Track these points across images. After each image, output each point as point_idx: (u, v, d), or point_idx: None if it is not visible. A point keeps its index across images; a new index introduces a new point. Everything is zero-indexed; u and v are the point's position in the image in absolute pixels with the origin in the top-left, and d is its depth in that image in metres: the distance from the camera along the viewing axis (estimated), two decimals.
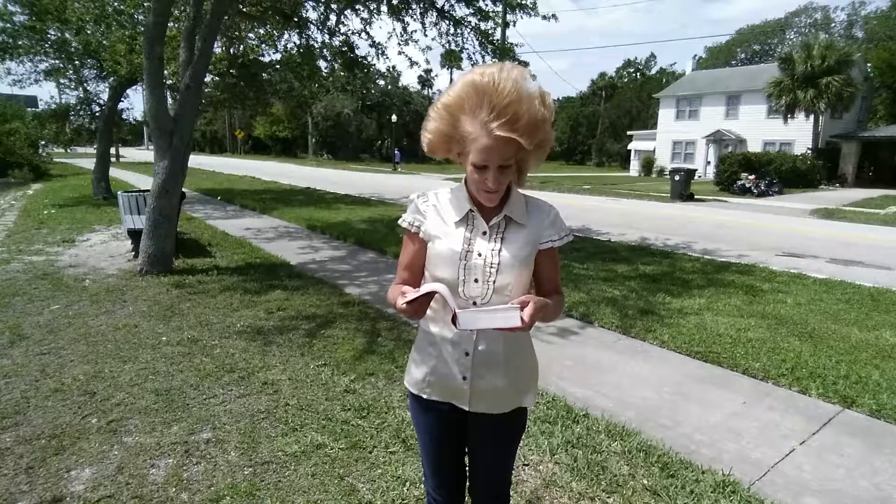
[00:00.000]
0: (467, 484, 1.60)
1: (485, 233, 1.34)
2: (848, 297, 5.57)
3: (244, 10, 8.09)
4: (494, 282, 1.31)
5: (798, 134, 26.96)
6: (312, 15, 8.73)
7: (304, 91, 13.11)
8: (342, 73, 10.37)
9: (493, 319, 1.20)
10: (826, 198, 18.87)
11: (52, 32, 10.35)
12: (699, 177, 25.62)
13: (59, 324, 4.25)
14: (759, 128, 29.71)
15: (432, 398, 1.46)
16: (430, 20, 7.98)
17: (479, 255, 1.32)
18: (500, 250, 1.32)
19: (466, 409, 1.42)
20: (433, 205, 1.40)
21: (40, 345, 3.82)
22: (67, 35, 10.29)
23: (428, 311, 1.43)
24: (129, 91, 12.95)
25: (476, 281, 1.32)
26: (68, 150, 19.46)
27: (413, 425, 1.60)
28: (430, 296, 1.28)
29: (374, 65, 9.18)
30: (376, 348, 3.91)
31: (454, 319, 1.21)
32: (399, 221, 1.44)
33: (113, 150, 21.54)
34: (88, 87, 12.95)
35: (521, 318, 1.17)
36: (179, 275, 5.80)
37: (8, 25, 10.18)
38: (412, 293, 1.25)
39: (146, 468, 2.45)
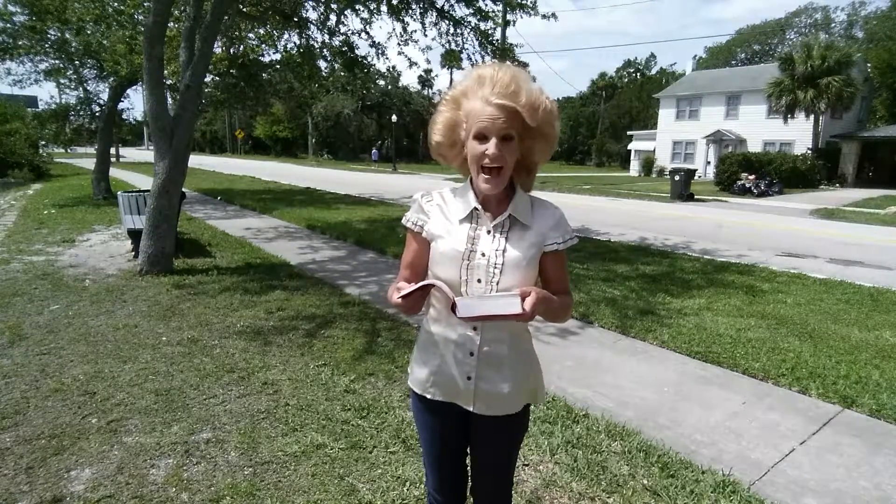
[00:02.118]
0: (469, 484, 1.60)
1: (489, 232, 1.34)
2: (848, 297, 5.57)
3: (244, 10, 8.09)
4: (498, 282, 1.30)
5: (798, 134, 26.96)
6: (312, 15, 8.74)
7: (304, 91, 13.11)
8: (342, 73, 10.37)
9: (492, 306, 1.19)
10: (826, 198, 18.86)
11: (52, 32, 10.34)
12: (699, 177, 25.62)
13: (59, 324, 4.25)
14: (759, 128, 29.70)
15: (436, 398, 1.45)
16: (429, 20, 7.98)
17: (483, 254, 1.32)
18: (504, 250, 1.32)
19: (470, 409, 1.42)
20: (437, 204, 1.40)
21: (40, 345, 3.82)
22: (67, 35, 10.29)
23: (433, 312, 1.43)
24: (129, 91, 12.97)
25: (479, 281, 1.31)
26: (68, 150, 19.47)
27: (415, 425, 1.60)
28: (426, 290, 1.28)
29: (374, 65, 9.21)
30: (376, 348, 3.91)
31: (453, 308, 1.20)
32: (403, 220, 1.44)
33: (113, 150, 21.52)
34: (88, 87, 12.95)
35: (522, 307, 1.17)
36: (179, 275, 5.80)
37: (8, 25, 10.18)
38: (407, 287, 1.25)
39: (146, 468, 2.45)
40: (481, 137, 1.25)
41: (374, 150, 42.89)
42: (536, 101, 1.24)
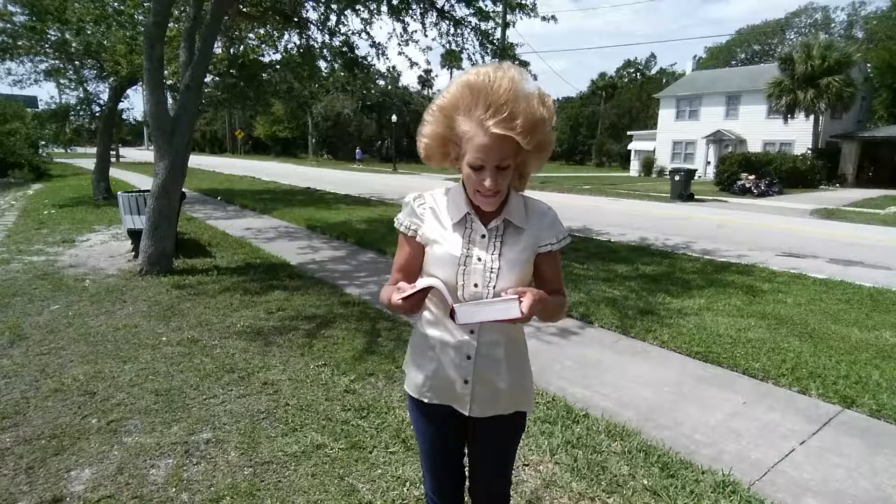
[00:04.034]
0: (466, 485, 1.60)
1: (483, 236, 1.32)
2: (848, 297, 5.57)
3: (244, 10, 8.08)
4: (494, 286, 1.29)
5: (798, 134, 26.97)
6: (312, 15, 8.74)
7: (304, 91, 13.10)
8: (342, 73, 10.36)
9: (492, 312, 1.19)
10: (826, 198, 18.87)
11: (52, 33, 10.34)
12: (699, 177, 25.61)
13: (59, 324, 4.25)
14: (759, 128, 29.71)
15: (433, 402, 1.44)
16: (430, 20, 7.97)
17: (479, 259, 1.31)
18: (499, 254, 1.31)
19: (466, 413, 1.41)
20: (430, 207, 1.38)
21: (40, 345, 3.82)
22: (67, 35, 10.29)
23: (428, 315, 1.41)
24: (129, 91, 12.97)
25: (476, 286, 1.30)
26: (68, 151, 19.50)
27: (413, 428, 1.60)
28: (425, 291, 1.26)
29: (374, 65, 9.20)
30: (376, 348, 3.91)
31: (452, 314, 1.20)
32: (395, 224, 1.41)
33: (113, 150, 21.52)
34: (88, 87, 12.95)
35: (520, 310, 1.16)
36: (179, 275, 5.80)
37: (8, 26, 10.18)
38: (409, 289, 1.24)
39: (146, 468, 2.45)
40: (477, 168, 1.22)
41: (358, 150, 43.47)
42: (533, 118, 1.19)
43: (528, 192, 1.42)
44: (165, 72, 7.66)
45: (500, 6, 8.73)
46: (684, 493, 2.34)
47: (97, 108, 13.19)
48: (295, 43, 9.55)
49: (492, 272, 1.30)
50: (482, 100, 1.17)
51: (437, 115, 1.25)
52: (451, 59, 8.32)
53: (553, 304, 1.32)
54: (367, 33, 8.54)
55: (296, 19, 8.57)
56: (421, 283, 1.26)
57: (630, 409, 3.15)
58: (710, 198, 18.54)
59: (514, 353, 1.41)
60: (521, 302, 1.18)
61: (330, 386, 3.29)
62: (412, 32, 8.18)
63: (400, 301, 1.23)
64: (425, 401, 1.45)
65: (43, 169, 20.69)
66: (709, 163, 30.86)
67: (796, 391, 3.41)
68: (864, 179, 27.14)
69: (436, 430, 1.49)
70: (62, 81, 12.68)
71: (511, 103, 1.16)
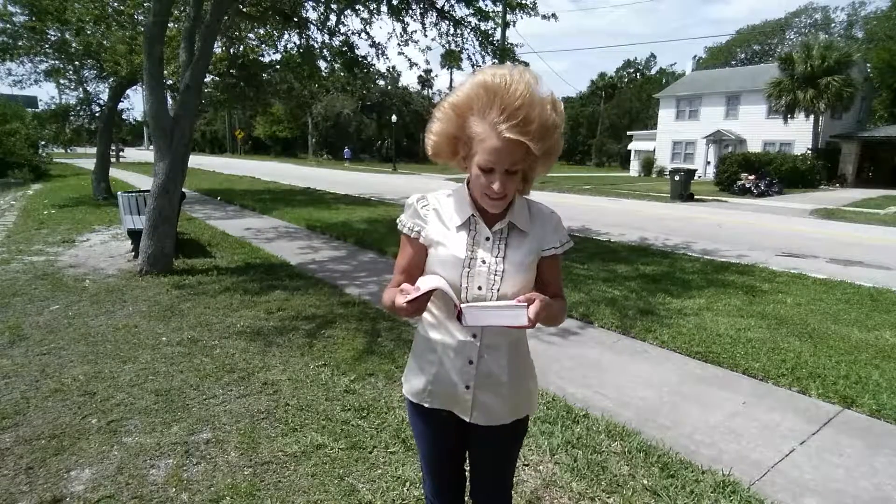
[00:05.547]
0: (467, 487, 1.60)
1: (487, 238, 1.31)
2: (848, 297, 5.57)
3: (244, 10, 8.08)
4: (498, 289, 1.29)
5: (798, 134, 26.97)
6: (312, 15, 8.74)
7: (304, 91, 13.11)
8: (342, 73, 10.37)
9: (499, 317, 1.19)
10: (826, 198, 18.86)
11: (52, 33, 10.35)
12: (699, 177, 25.62)
13: (59, 324, 4.25)
14: (759, 128, 29.72)
15: (433, 407, 1.43)
16: (430, 20, 7.99)
17: (483, 262, 1.30)
18: (504, 257, 1.30)
19: (467, 419, 1.40)
20: (434, 209, 1.36)
21: (40, 345, 3.82)
22: (67, 35, 10.29)
23: (429, 318, 1.40)
24: (129, 91, 12.98)
25: (479, 288, 1.29)
26: (68, 151, 19.49)
27: (412, 432, 1.58)
28: (429, 293, 1.25)
29: (374, 65, 9.17)
30: (376, 348, 3.91)
31: (459, 315, 1.19)
32: (398, 226, 1.40)
33: (113, 150, 21.49)
34: (88, 88, 12.97)
35: (528, 317, 1.16)
36: (179, 275, 5.80)
37: (8, 26, 10.18)
38: (413, 292, 1.22)
39: (146, 468, 2.45)
40: (487, 170, 1.21)
41: (346, 150, 44.08)
42: (546, 124, 1.18)
43: (528, 196, 1.42)
44: (165, 72, 7.65)
45: (500, 6, 8.73)
46: (684, 493, 2.34)
47: (97, 108, 13.21)
48: (295, 43, 9.58)
49: (496, 275, 1.29)
50: (497, 102, 1.15)
51: (449, 114, 1.23)
52: (451, 60, 8.33)
53: (556, 309, 1.31)
54: (367, 33, 8.55)
55: (296, 19, 8.58)
56: (424, 285, 1.24)
57: (630, 409, 3.15)
58: (710, 198, 18.54)
59: (516, 356, 1.39)
60: (528, 307, 1.17)
61: (330, 386, 3.29)
62: (412, 32, 8.19)
63: (404, 304, 1.22)
64: (426, 406, 1.44)
65: (43, 169, 20.69)
66: (709, 163, 30.87)
67: (796, 391, 3.41)
68: (864, 179, 27.15)
69: (436, 434, 1.48)
70: (62, 81, 12.69)
71: (526, 108, 1.14)
